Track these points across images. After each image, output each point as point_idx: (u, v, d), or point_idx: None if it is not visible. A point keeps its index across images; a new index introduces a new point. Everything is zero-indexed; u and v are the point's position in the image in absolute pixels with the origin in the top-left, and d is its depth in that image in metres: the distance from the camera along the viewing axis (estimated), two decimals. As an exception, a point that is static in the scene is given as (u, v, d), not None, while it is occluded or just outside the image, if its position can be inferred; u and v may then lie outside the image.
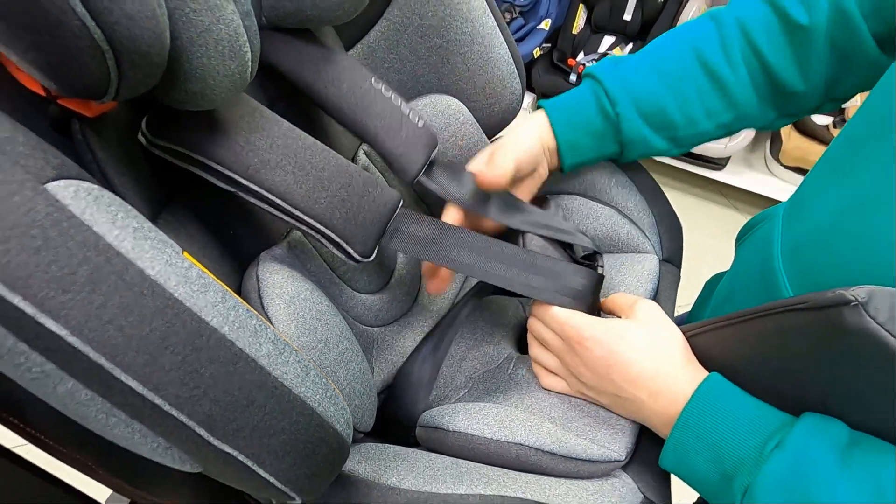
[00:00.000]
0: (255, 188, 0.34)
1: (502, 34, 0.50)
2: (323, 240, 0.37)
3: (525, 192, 0.48)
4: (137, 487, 0.40)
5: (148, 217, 0.26)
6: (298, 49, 0.41)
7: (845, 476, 0.26)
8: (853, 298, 0.24)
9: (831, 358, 0.27)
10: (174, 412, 0.22)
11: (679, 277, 0.55)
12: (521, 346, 0.50)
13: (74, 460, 0.36)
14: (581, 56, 1.92)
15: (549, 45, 1.98)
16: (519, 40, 1.96)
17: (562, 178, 0.54)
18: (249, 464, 0.24)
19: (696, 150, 1.82)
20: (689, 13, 1.70)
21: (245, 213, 0.39)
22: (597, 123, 0.45)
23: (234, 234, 0.38)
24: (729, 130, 0.46)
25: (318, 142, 0.38)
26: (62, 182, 0.20)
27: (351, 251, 0.37)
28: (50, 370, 0.21)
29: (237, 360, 0.22)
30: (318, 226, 0.36)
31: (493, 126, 0.55)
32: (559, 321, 0.37)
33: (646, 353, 0.34)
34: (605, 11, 1.84)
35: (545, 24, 1.91)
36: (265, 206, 0.34)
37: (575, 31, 1.93)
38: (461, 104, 0.50)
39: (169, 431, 0.23)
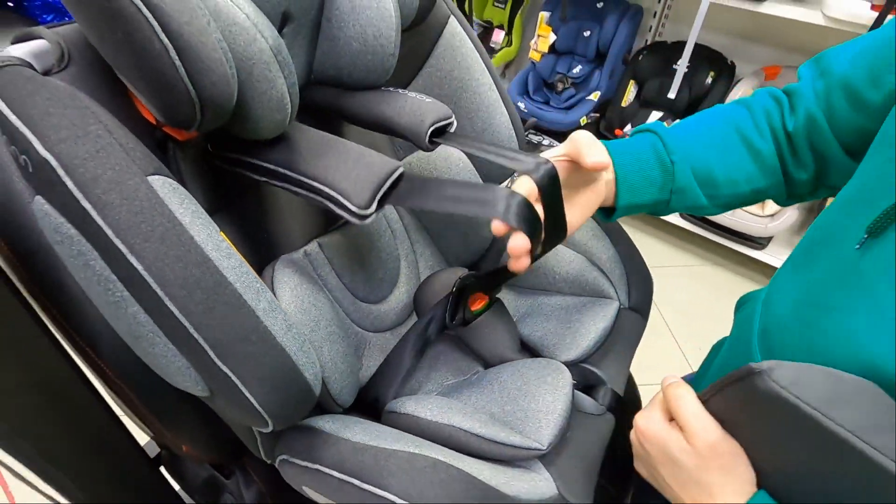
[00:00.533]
0: (285, 171, 0.44)
1: (504, 106, 0.62)
2: (328, 202, 0.45)
3: (578, 210, 0.48)
4: (165, 426, 0.51)
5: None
6: (337, 93, 0.53)
7: None
8: (757, 369, 0.30)
9: (771, 430, 0.32)
10: (195, 334, 0.32)
11: (644, 326, 0.61)
12: (488, 365, 0.58)
13: (125, 397, 0.48)
14: (628, 128, 2.02)
15: (598, 114, 2.09)
16: (568, 108, 2.10)
17: None
18: (239, 385, 0.34)
19: (739, 228, 1.84)
20: (736, 94, 1.77)
21: (272, 223, 0.51)
22: (653, 168, 0.48)
23: (264, 238, 0.50)
24: (760, 197, 0.50)
25: (326, 133, 0.48)
26: (157, 177, 0.32)
27: (349, 205, 0.43)
28: (125, 296, 0.33)
29: (241, 307, 0.33)
30: (321, 187, 0.44)
31: (491, 180, 0.66)
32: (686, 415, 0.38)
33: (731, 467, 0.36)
34: (654, 88, 1.94)
35: (594, 96, 2.04)
36: (284, 184, 0.44)
37: (624, 104, 2.04)
38: (465, 157, 0.62)
39: (190, 351, 0.33)
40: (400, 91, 0.52)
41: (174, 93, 0.32)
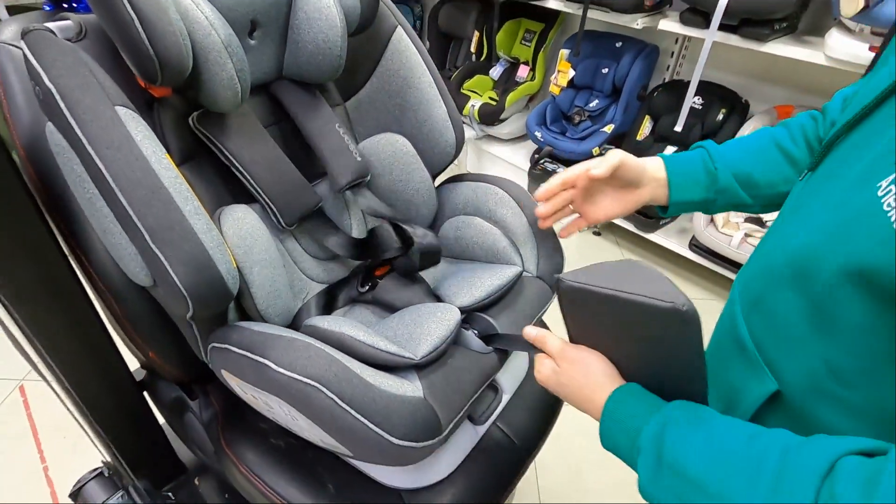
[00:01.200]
0: (240, 167, 0.60)
1: (443, 101, 0.74)
2: (269, 207, 0.61)
3: (618, 204, 0.61)
4: (138, 334, 0.64)
5: (176, 161, 0.52)
6: (298, 94, 0.68)
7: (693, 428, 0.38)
8: (559, 278, 0.42)
9: (591, 321, 0.44)
10: (137, 221, 0.45)
11: (550, 295, 0.69)
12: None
13: (110, 306, 0.61)
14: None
15: (612, 146, 2.17)
16: (583, 138, 2.19)
17: (471, 201, 0.74)
18: (166, 265, 0.46)
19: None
20: (746, 131, 1.81)
21: (231, 180, 0.64)
22: (699, 172, 0.60)
23: (229, 190, 0.64)
24: None
25: (281, 152, 0.64)
26: (121, 108, 0.46)
27: (280, 219, 0.61)
28: (95, 192, 0.46)
29: (170, 204, 0.46)
30: (265, 198, 0.61)
31: (434, 164, 0.77)
32: (553, 349, 0.49)
33: (588, 375, 0.46)
34: (668, 124, 2.00)
35: (608, 128, 2.13)
36: (243, 179, 0.60)
37: (639, 137, 2.11)
38: (407, 141, 0.73)
39: (134, 236, 0.46)
40: (345, 138, 0.68)
41: (139, 53, 0.46)
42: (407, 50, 0.71)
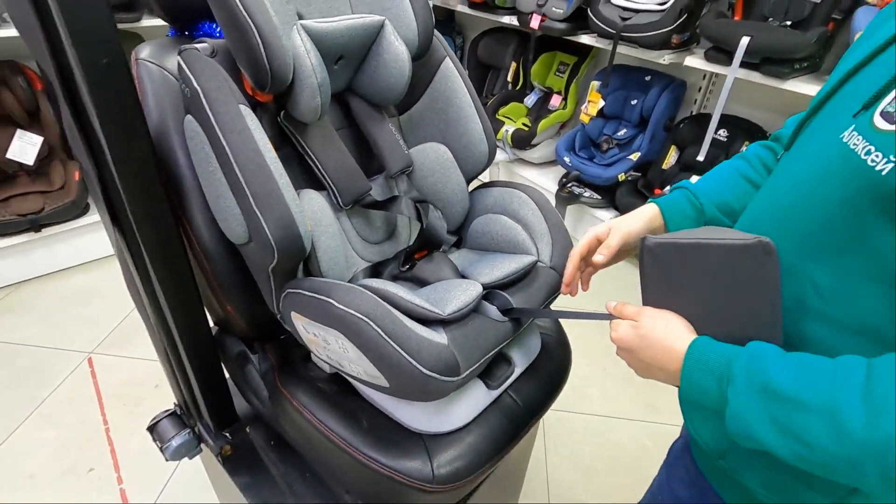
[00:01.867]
0: (312, 157, 0.75)
1: (480, 119, 0.88)
2: (332, 189, 0.76)
3: (620, 255, 0.68)
4: (220, 288, 0.79)
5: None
6: (364, 106, 0.84)
7: (781, 361, 0.43)
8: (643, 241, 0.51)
9: (675, 279, 0.50)
10: (246, 189, 0.60)
11: (559, 282, 0.82)
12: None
13: (201, 265, 0.77)
14: (667, 189, 2.18)
15: (639, 174, 2.28)
16: (609, 164, 2.31)
17: (498, 202, 0.88)
18: (263, 222, 0.61)
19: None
20: (767, 165, 1.89)
21: (305, 167, 0.80)
22: (690, 212, 0.69)
23: (306, 177, 0.79)
24: None
25: (344, 147, 0.79)
26: (242, 106, 0.62)
27: (339, 199, 0.76)
28: (216, 166, 0.62)
29: (270, 178, 0.60)
30: (329, 181, 0.76)
31: (469, 170, 0.91)
32: (633, 310, 0.55)
33: (669, 328, 0.51)
34: (693, 154, 2.10)
35: (634, 156, 2.24)
36: (313, 166, 0.76)
37: (665, 166, 2.22)
38: (447, 150, 0.88)
39: (241, 200, 0.62)
40: (397, 136, 0.84)
41: (259, 67, 0.63)
42: (453, 75, 0.87)
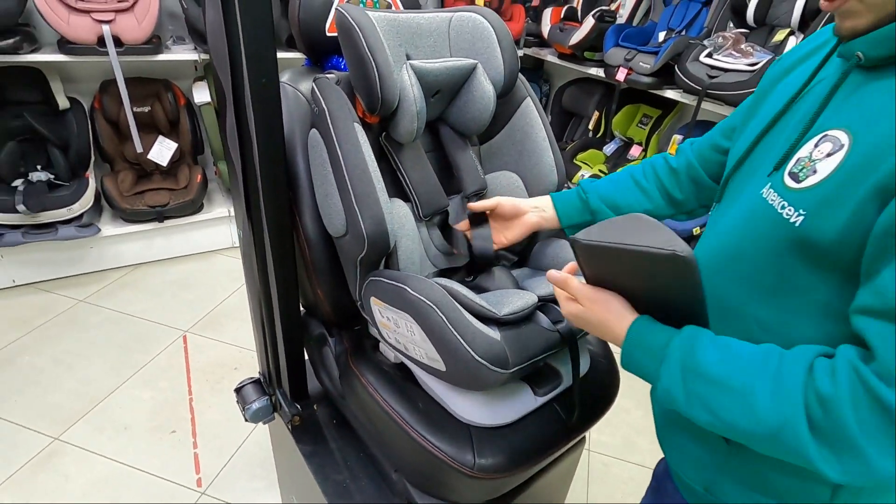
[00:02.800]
0: (403, 172, 0.89)
1: (552, 151, 0.99)
2: (415, 200, 0.89)
3: (509, 231, 0.88)
4: (316, 274, 0.94)
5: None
6: (451, 134, 0.97)
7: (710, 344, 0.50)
8: (572, 238, 0.55)
9: (608, 268, 0.57)
10: (350, 188, 0.74)
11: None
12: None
13: (303, 251, 0.92)
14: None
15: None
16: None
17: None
18: (360, 217, 0.73)
19: None
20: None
21: (397, 181, 0.94)
22: (577, 202, 0.86)
23: (388, 185, 0.93)
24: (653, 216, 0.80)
25: (430, 167, 0.92)
26: (356, 124, 0.77)
27: (419, 211, 0.89)
28: (328, 170, 0.77)
29: (370, 183, 0.73)
30: (413, 194, 0.89)
31: (537, 196, 1.01)
32: (576, 290, 0.61)
33: (609, 311, 0.58)
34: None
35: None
36: (402, 180, 0.89)
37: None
38: (519, 179, 0.99)
39: (345, 197, 0.75)
40: (476, 163, 0.97)
41: (372, 94, 0.78)
42: (531, 113, 0.98)
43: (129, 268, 2.45)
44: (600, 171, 2.69)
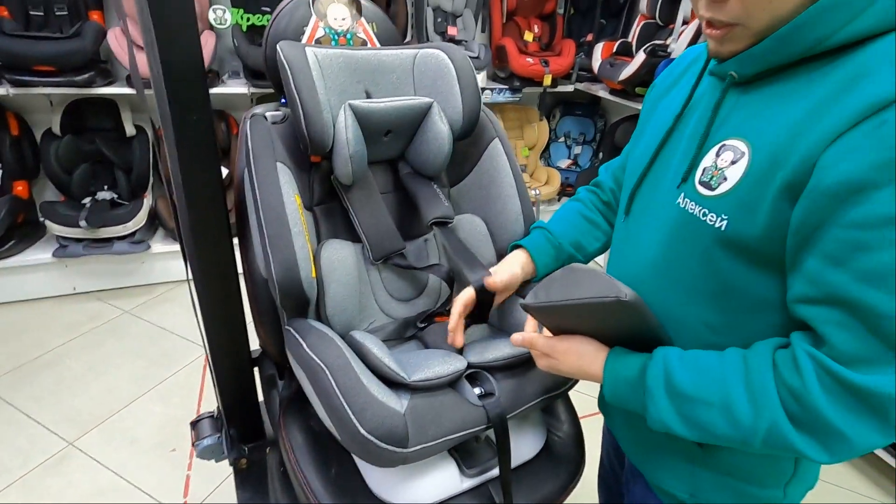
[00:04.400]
0: (352, 211, 0.84)
1: (519, 199, 0.89)
2: (365, 243, 0.83)
3: (500, 296, 0.81)
4: (260, 317, 0.90)
5: (317, 201, 0.79)
6: (413, 174, 0.91)
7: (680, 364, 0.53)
8: (523, 302, 0.58)
9: (561, 320, 0.60)
10: (266, 230, 0.71)
11: (559, 379, 0.75)
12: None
13: (251, 294, 0.89)
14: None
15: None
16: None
17: None
18: (272, 261, 0.70)
19: None
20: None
21: (347, 220, 0.89)
22: (552, 251, 0.81)
23: (338, 225, 0.88)
24: (606, 248, 0.82)
25: (384, 207, 0.86)
26: (279, 163, 0.74)
27: (371, 253, 0.82)
28: (252, 210, 0.74)
29: (284, 224, 0.70)
30: (363, 235, 0.83)
31: (501, 246, 0.91)
32: (543, 347, 0.63)
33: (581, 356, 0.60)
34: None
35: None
36: (352, 219, 0.84)
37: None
38: (483, 223, 0.90)
39: (262, 239, 0.72)
40: (440, 193, 0.89)
41: (300, 132, 0.74)
42: (500, 156, 0.90)
43: (173, 283, 2.61)
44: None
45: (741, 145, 0.50)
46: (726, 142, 0.52)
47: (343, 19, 0.94)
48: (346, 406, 0.61)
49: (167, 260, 2.55)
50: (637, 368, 0.55)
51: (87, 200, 2.40)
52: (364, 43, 0.98)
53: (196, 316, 0.94)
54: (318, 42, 0.92)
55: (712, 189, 0.52)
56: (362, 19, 0.97)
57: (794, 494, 0.63)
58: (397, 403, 0.64)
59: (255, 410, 1.03)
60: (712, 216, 0.51)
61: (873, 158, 0.41)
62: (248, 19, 2.30)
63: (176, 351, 2.14)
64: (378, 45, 0.98)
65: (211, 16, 2.26)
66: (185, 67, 0.67)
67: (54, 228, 2.25)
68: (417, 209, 0.89)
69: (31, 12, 2.12)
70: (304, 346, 0.66)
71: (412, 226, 0.92)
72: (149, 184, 2.49)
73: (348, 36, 0.97)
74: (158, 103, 0.75)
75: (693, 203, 0.54)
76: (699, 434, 0.52)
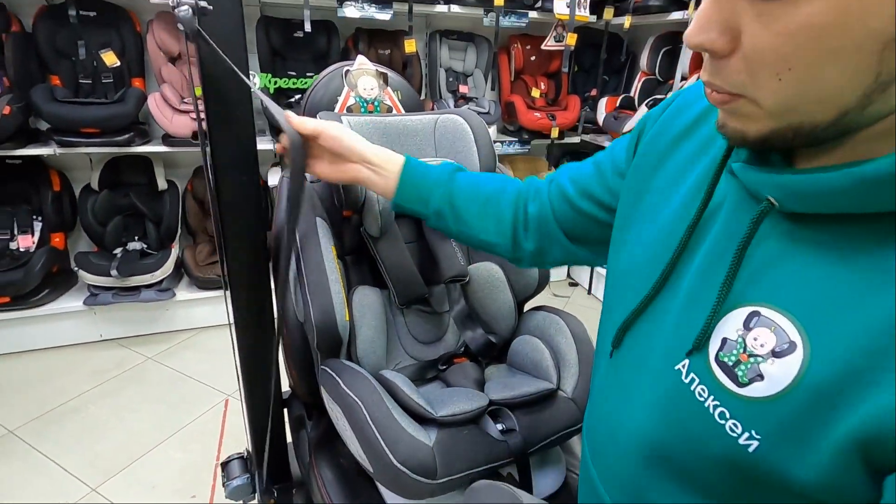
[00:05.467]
0: (379, 260, 0.92)
1: (534, 246, 0.96)
2: (391, 289, 0.90)
3: (329, 168, 0.71)
4: (291, 359, 0.97)
5: (348, 251, 0.87)
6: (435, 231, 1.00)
7: None
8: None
9: None
10: (306, 278, 0.78)
11: (577, 415, 0.80)
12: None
13: (285, 340, 0.97)
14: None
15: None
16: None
17: (539, 325, 0.92)
18: (311, 306, 0.77)
19: None
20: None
21: (375, 268, 0.96)
22: (427, 189, 0.68)
23: (365, 273, 0.96)
24: (491, 249, 0.70)
25: (408, 255, 0.93)
26: (318, 218, 0.83)
27: (396, 298, 0.89)
28: (295, 260, 0.82)
29: (323, 272, 0.78)
30: (389, 282, 0.90)
31: (518, 291, 0.98)
32: None
33: None
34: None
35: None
36: (380, 267, 0.92)
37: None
38: (500, 270, 0.97)
39: (302, 287, 0.79)
40: (457, 251, 0.97)
41: (338, 193, 0.84)
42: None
43: (195, 330, 2.68)
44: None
45: (789, 328, 0.33)
46: (759, 308, 0.35)
47: (371, 89, 1.06)
48: (379, 439, 0.66)
49: (190, 307, 2.63)
50: None
51: (118, 251, 2.52)
52: (389, 109, 1.10)
53: (234, 359, 1.01)
54: (350, 109, 1.03)
55: (740, 385, 0.35)
56: (388, 88, 1.08)
57: None
58: (426, 437, 0.69)
59: (283, 451, 1.07)
60: (735, 425, 0.34)
61: None
62: (275, 82, 2.49)
63: (196, 396, 2.19)
64: (402, 109, 1.10)
65: (242, 80, 2.46)
66: (239, 139, 0.77)
67: (87, 278, 2.36)
68: (436, 259, 0.97)
69: (81, 80, 2.32)
70: (341, 383, 0.72)
71: (434, 272, 1.00)
72: (177, 235, 2.62)
73: (376, 103, 1.08)
74: (215, 165, 0.85)
75: (703, 387, 0.37)
76: None
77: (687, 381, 0.39)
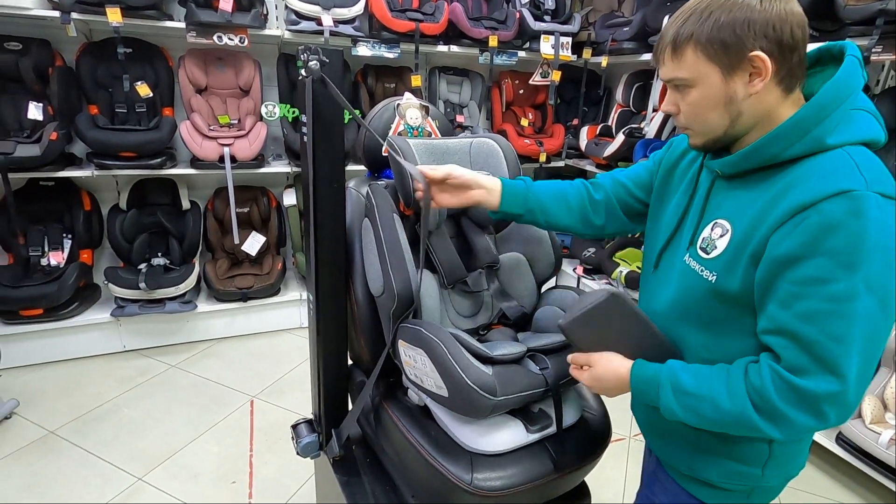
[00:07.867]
0: (431, 249, 1.18)
1: (550, 240, 1.24)
2: (440, 271, 1.16)
3: (454, 198, 0.96)
4: (360, 329, 1.21)
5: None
6: (471, 224, 1.27)
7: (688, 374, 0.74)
8: (560, 321, 0.85)
9: (597, 335, 0.82)
10: (388, 259, 1.03)
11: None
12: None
13: (353, 311, 1.21)
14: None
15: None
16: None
17: (557, 298, 1.18)
18: (393, 280, 1.01)
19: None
20: None
21: (426, 257, 1.22)
22: (521, 194, 0.96)
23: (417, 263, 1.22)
24: (569, 229, 1.00)
25: (452, 246, 1.19)
26: (394, 214, 1.08)
27: (444, 279, 1.15)
28: (374, 246, 1.08)
29: (402, 255, 1.03)
30: (439, 266, 1.16)
31: (538, 275, 1.25)
32: (583, 359, 0.84)
33: (611, 363, 0.81)
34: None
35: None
36: (431, 255, 1.18)
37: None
38: (524, 258, 1.24)
39: (383, 265, 1.03)
40: (489, 242, 1.23)
41: (406, 195, 1.10)
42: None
43: (215, 340, 2.85)
44: (637, 267, 2.86)
45: (726, 224, 0.72)
46: (718, 220, 0.73)
47: (416, 118, 1.34)
48: (457, 367, 0.90)
49: (210, 319, 2.81)
50: (653, 372, 0.76)
51: (142, 266, 2.70)
52: (430, 134, 1.38)
53: (311, 331, 1.24)
54: (399, 134, 1.30)
55: (707, 253, 0.73)
56: (429, 118, 1.37)
57: (772, 477, 0.81)
58: (487, 369, 0.94)
59: (344, 414, 1.29)
60: (707, 272, 0.73)
61: (801, 240, 0.62)
62: (293, 112, 2.76)
63: (223, 399, 2.36)
64: (439, 134, 1.38)
65: (263, 110, 2.72)
66: (333, 157, 1.03)
67: (116, 290, 2.52)
68: (473, 250, 1.24)
69: (117, 109, 2.55)
70: (423, 330, 0.96)
71: (471, 261, 1.26)
72: (198, 251, 2.81)
73: (420, 129, 1.36)
74: (315, 175, 1.11)
75: (695, 262, 0.75)
76: (695, 419, 0.72)
77: (688, 262, 0.78)
